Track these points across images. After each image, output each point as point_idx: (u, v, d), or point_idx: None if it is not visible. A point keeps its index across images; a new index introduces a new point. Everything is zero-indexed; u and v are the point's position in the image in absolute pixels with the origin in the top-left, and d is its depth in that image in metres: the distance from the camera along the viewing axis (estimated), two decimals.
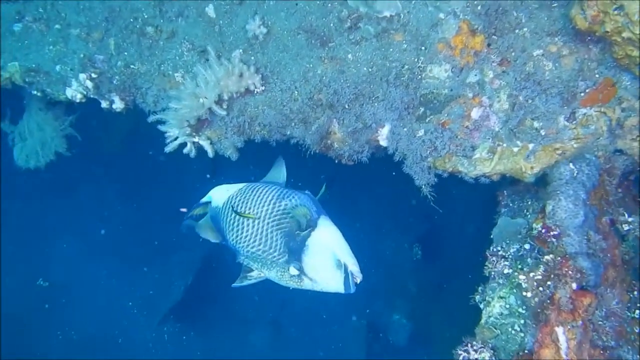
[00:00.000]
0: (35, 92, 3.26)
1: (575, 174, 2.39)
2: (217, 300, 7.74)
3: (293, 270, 2.62)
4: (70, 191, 6.67)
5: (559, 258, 2.21)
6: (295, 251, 2.60)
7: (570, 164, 2.43)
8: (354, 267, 2.53)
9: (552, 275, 2.21)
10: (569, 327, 2.11)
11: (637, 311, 2.51)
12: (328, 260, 2.56)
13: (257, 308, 7.58)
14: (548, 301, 2.19)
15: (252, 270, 2.82)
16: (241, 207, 2.70)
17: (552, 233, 2.27)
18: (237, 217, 2.70)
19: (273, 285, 2.86)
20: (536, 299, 2.26)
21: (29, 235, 7.23)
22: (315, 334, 7.57)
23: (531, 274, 2.29)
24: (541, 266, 2.28)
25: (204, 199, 3.02)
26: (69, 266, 7.37)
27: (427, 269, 7.12)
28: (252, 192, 2.74)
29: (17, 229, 7.10)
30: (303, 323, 7.53)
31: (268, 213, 2.64)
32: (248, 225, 2.68)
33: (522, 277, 2.34)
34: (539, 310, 2.22)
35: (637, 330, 2.49)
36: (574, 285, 2.17)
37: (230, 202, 2.76)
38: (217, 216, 2.86)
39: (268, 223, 2.64)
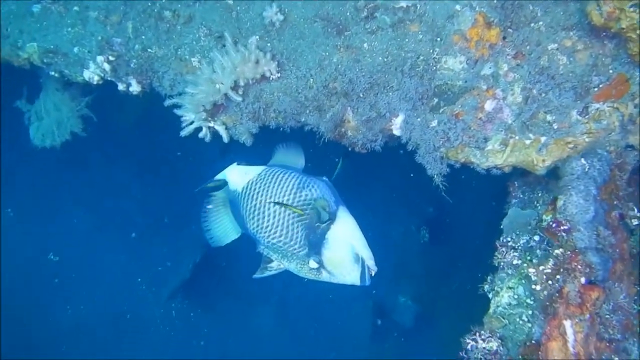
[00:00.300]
0: (53, 73, 3.29)
1: (586, 169, 2.43)
2: (224, 278, 7.82)
3: (312, 264, 2.66)
4: (82, 168, 6.72)
5: (569, 252, 2.26)
6: (315, 244, 2.63)
7: (582, 159, 2.46)
8: (370, 260, 2.58)
9: (561, 269, 2.26)
10: (576, 320, 2.16)
11: None
12: (347, 255, 2.60)
13: (264, 286, 7.65)
14: (557, 294, 2.24)
15: (271, 261, 2.85)
16: (262, 195, 2.73)
17: (562, 228, 2.32)
18: (259, 205, 2.72)
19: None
20: (545, 292, 2.30)
21: (40, 210, 7.31)
22: (321, 313, 7.66)
23: (541, 267, 2.34)
24: (551, 260, 2.33)
25: (219, 177, 3.02)
26: (80, 242, 7.45)
27: (434, 252, 7.17)
28: (273, 178, 2.77)
29: (28, 204, 7.18)
30: (309, 302, 7.61)
31: (289, 204, 2.68)
32: (270, 215, 2.71)
33: (531, 270, 2.39)
34: (547, 303, 2.27)
35: None
36: (583, 280, 2.21)
37: (251, 188, 2.79)
38: (236, 201, 2.88)
39: (289, 214, 2.67)
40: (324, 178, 2.82)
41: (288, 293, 7.79)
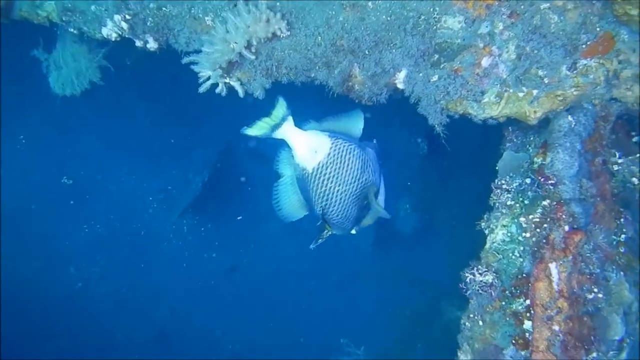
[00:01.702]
0: (72, 30, 3.44)
1: (573, 126, 2.67)
2: (233, 194, 8.11)
3: (354, 231, 3.14)
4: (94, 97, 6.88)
5: (555, 203, 2.54)
6: (359, 219, 3.08)
7: (569, 116, 2.70)
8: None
9: (548, 219, 2.55)
10: (560, 262, 2.47)
11: (623, 235, 2.87)
12: (374, 219, 3.10)
13: (271, 201, 7.95)
14: (544, 241, 2.54)
15: (323, 230, 3.16)
16: (332, 182, 2.96)
17: (550, 182, 2.60)
18: (328, 192, 2.97)
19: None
20: (534, 239, 2.61)
21: (53, 135, 7.52)
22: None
23: (530, 217, 2.63)
24: (539, 210, 2.61)
25: (277, 135, 3.02)
26: (93, 165, 7.72)
27: (432, 163, 7.43)
28: (341, 162, 2.95)
29: (41, 130, 7.39)
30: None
31: (353, 190, 2.97)
32: (337, 202, 2.98)
33: (522, 219, 2.68)
34: (535, 249, 2.57)
35: (622, 251, 2.86)
36: (567, 228, 2.51)
37: (321, 172, 2.96)
38: (305, 181, 3.03)
39: (351, 200, 2.98)
40: (374, 141, 3.09)
41: None
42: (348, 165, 2.96)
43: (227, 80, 3.08)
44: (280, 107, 2.98)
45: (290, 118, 2.97)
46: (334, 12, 2.86)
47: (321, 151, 2.96)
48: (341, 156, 2.97)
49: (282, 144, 3.04)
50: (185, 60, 3.05)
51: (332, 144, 2.96)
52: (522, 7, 2.67)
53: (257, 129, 2.99)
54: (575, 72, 2.71)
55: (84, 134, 7.53)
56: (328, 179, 2.97)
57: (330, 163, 2.96)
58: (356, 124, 3.06)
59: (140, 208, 8.09)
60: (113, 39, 3.33)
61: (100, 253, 7.99)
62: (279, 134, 2.99)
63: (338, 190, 2.96)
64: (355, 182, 2.97)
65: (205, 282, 8.28)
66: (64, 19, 3.39)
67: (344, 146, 2.97)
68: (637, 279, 2.89)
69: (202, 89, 3.07)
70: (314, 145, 2.98)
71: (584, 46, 2.67)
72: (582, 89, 2.71)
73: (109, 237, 7.99)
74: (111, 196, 7.91)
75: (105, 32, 3.32)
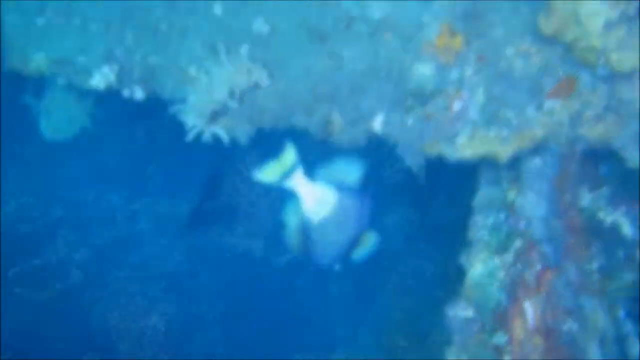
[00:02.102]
0: (61, 81, 3.57)
1: (540, 167, 2.82)
2: (223, 211, 8.20)
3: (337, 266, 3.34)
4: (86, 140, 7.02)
5: (526, 243, 2.70)
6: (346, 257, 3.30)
7: (537, 158, 2.85)
8: None
9: (520, 258, 2.70)
10: (533, 300, 2.62)
11: (595, 264, 3.02)
12: None
13: (263, 212, 8.07)
14: (518, 280, 2.69)
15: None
16: (330, 235, 3.16)
17: (521, 222, 2.75)
18: (324, 246, 3.18)
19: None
20: (508, 279, 2.75)
21: (42, 159, 7.63)
22: None
23: (504, 256, 2.78)
24: (512, 249, 2.76)
25: (289, 183, 3.21)
26: (80, 189, 7.83)
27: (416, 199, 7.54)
28: (343, 217, 3.15)
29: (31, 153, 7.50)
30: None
31: (348, 240, 3.22)
32: (332, 250, 3.21)
33: (497, 258, 2.83)
34: (510, 288, 2.72)
35: (595, 278, 3.00)
36: (539, 267, 2.66)
37: (323, 226, 3.14)
38: (307, 230, 3.19)
39: (344, 247, 3.23)
40: (372, 188, 3.27)
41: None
42: (348, 220, 3.15)
43: (212, 128, 3.22)
44: (289, 154, 3.20)
45: (300, 168, 3.18)
46: (311, 62, 3.00)
47: (326, 206, 3.14)
48: (343, 211, 3.16)
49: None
50: (171, 110, 3.20)
51: (337, 199, 3.15)
52: (488, 53, 2.81)
53: (268, 174, 3.22)
54: (540, 113, 2.85)
55: (75, 172, 7.65)
56: (329, 232, 3.15)
57: (333, 219, 3.13)
58: (356, 175, 3.25)
59: (131, 232, 8.20)
60: (102, 89, 3.46)
61: (94, 274, 8.06)
62: (288, 184, 3.19)
63: (335, 241, 3.14)
64: (351, 232, 3.18)
65: (199, 296, 8.35)
66: (53, 70, 3.52)
67: (347, 201, 3.16)
68: (611, 302, 3.03)
69: (189, 137, 3.21)
70: (320, 199, 3.14)
71: (548, 88, 2.82)
72: (548, 129, 2.85)
73: (102, 261, 8.08)
74: (103, 224, 8.01)
75: (93, 82, 3.45)
